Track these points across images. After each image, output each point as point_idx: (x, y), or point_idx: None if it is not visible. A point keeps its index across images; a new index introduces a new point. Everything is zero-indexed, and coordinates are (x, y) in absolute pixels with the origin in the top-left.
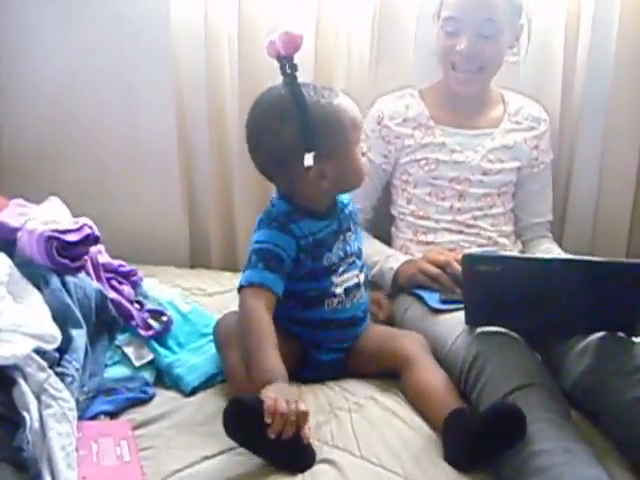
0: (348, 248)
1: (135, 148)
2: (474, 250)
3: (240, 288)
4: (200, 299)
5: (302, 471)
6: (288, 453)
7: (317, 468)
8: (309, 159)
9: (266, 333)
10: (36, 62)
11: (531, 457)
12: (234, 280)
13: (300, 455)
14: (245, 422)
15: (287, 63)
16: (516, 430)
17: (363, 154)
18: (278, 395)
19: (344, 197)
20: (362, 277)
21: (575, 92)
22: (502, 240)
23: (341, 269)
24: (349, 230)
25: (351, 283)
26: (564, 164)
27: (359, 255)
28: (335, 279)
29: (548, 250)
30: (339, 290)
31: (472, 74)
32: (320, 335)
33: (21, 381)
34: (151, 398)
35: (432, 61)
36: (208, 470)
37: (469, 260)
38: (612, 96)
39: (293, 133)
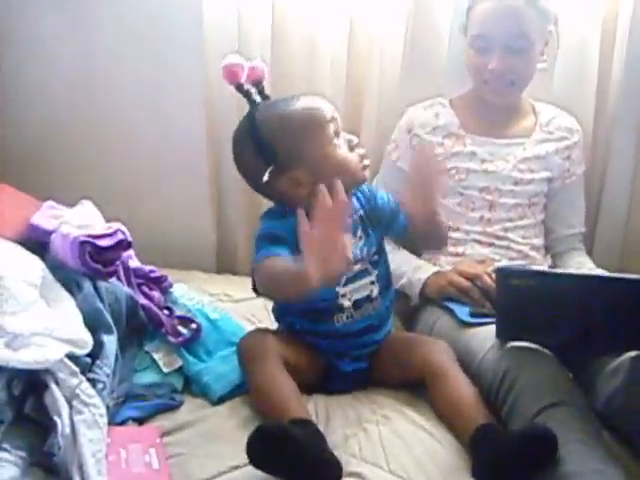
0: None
1: (164, 155)
2: (507, 264)
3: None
4: (227, 305)
5: None
6: (315, 469)
7: None
8: (266, 175)
9: (280, 262)
10: (66, 64)
11: (562, 479)
12: None
13: (324, 471)
14: (271, 451)
15: (239, 91)
16: (547, 453)
17: (352, 148)
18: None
19: (362, 195)
20: (376, 290)
21: (609, 104)
22: (533, 253)
23: (345, 277)
24: (354, 236)
25: (361, 295)
26: (596, 176)
27: (374, 263)
28: (340, 289)
29: (580, 264)
30: (347, 303)
31: (505, 87)
32: (338, 345)
33: (53, 386)
34: (179, 405)
35: (463, 70)
36: None
37: (503, 274)
38: None
39: (251, 155)
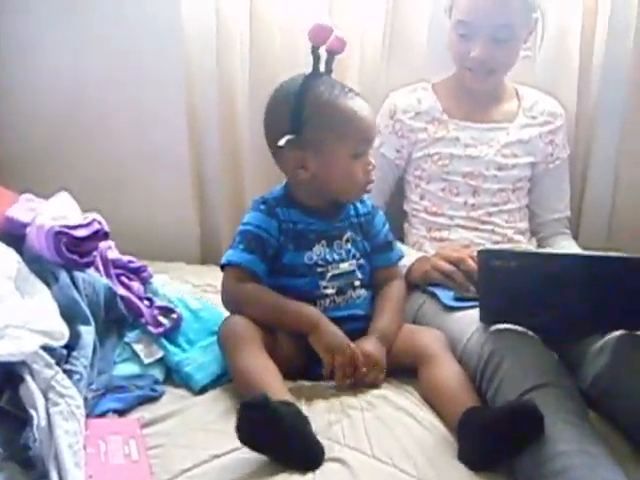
0: (336, 256)
1: (146, 145)
2: (490, 246)
3: (222, 266)
4: (211, 296)
5: (312, 469)
6: (297, 450)
7: (328, 467)
8: (284, 140)
9: (272, 294)
10: (48, 59)
11: (548, 459)
12: None
13: (309, 452)
14: (257, 424)
15: (313, 53)
16: (533, 428)
17: (367, 171)
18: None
19: (363, 207)
20: (358, 281)
21: (592, 87)
22: (517, 237)
23: (330, 274)
24: (339, 238)
25: (343, 282)
26: (580, 160)
27: (360, 266)
28: (323, 283)
29: (565, 248)
30: (330, 291)
31: (485, 75)
32: None
33: (28, 378)
34: (160, 396)
35: (445, 55)
36: (218, 469)
37: (485, 255)
38: (629, 91)
39: (284, 112)
